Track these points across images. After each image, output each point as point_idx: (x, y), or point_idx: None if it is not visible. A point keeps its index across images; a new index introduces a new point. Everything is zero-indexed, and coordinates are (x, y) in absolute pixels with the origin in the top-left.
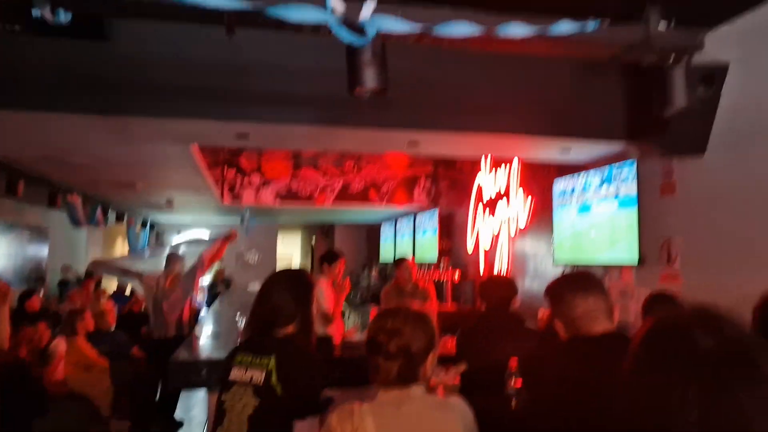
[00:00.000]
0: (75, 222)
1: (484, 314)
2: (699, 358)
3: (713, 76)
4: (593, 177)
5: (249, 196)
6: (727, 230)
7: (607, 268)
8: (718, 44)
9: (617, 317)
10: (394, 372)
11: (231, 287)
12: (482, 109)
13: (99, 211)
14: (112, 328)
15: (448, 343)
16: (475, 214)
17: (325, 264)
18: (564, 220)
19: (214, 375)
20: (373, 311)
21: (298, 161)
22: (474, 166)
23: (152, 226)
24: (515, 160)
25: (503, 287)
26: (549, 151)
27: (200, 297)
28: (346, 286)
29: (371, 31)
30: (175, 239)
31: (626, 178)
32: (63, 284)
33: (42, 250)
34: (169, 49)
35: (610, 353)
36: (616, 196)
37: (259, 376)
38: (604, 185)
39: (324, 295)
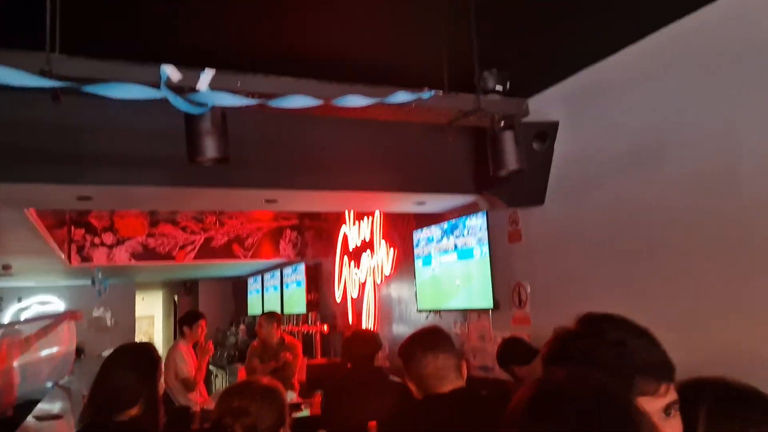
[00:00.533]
0: None
1: (348, 372)
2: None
3: (545, 133)
4: (449, 227)
5: (101, 257)
6: (566, 273)
7: (466, 313)
8: (549, 105)
9: (465, 373)
10: None
11: (83, 356)
12: (338, 168)
13: None
14: None
15: (318, 398)
16: (341, 264)
17: (185, 327)
18: (424, 268)
19: None
20: (240, 371)
21: (155, 217)
22: (339, 216)
23: None
24: (377, 212)
25: (366, 343)
26: (405, 204)
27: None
28: (208, 348)
29: (208, 103)
30: (16, 306)
31: (478, 228)
32: None
33: None
34: None
35: (460, 411)
36: (470, 245)
37: None
38: (460, 235)
39: (184, 360)
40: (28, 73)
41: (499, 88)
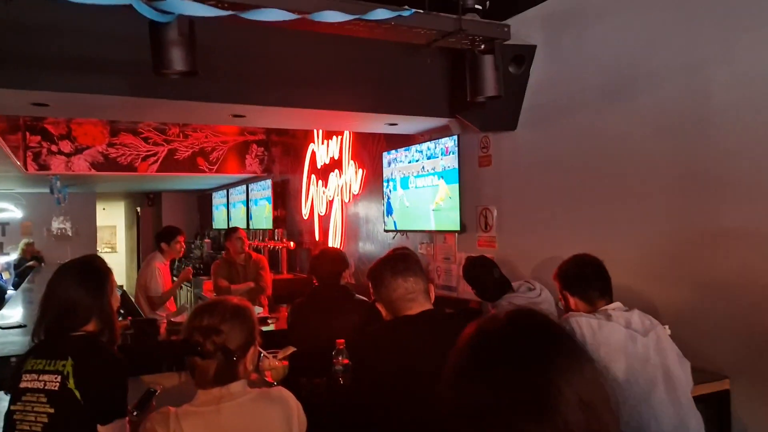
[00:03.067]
0: None
1: (314, 289)
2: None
3: (523, 57)
4: (420, 150)
5: (59, 165)
6: (533, 199)
7: (433, 234)
8: (527, 27)
9: (433, 296)
10: (212, 372)
11: (43, 264)
12: (309, 85)
13: None
14: None
15: (284, 313)
16: (309, 182)
17: (163, 243)
18: (392, 190)
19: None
20: (206, 284)
21: (116, 126)
22: (307, 133)
23: None
24: (346, 133)
25: (333, 262)
26: (377, 124)
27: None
28: (187, 273)
29: (175, 11)
30: None
31: (449, 152)
32: None
33: None
34: None
35: (427, 331)
36: (441, 169)
37: (53, 382)
38: (430, 158)
39: (156, 279)
40: None
41: (478, 6)
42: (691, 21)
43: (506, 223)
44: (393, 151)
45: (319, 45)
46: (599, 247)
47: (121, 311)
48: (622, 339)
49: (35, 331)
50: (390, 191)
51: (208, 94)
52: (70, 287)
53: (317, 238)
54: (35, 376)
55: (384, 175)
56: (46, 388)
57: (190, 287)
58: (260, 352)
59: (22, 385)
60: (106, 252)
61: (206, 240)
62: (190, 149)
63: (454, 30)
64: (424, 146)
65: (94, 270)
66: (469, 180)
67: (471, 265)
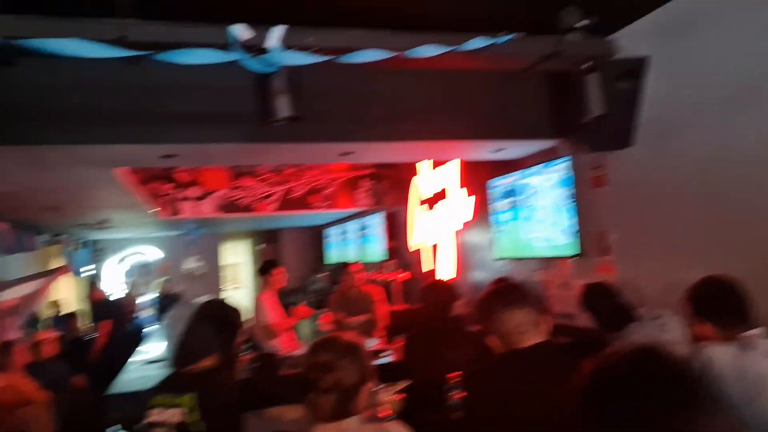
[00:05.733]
0: (3, 250)
1: (425, 321)
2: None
3: (632, 71)
4: (529, 174)
5: (188, 209)
6: (654, 220)
7: (546, 261)
8: (637, 39)
9: (548, 328)
10: (329, 407)
11: (179, 301)
12: (413, 118)
13: (28, 237)
14: (51, 358)
15: (400, 344)
16: (416, 213)
17: (263, 276)
18: (503, 215)
19: None
20: (324, 318)
21: (237, 170)
22: (414, 165)
23: (94, 242)
24: (454, 161)
25: (441, 293)
26: (482, 152)
27: (144, 314)
28: (300, 311)
29: (279, 62)
30: (116, 257)
31: (562, 174)
32: None
33: None
34: (78, 73)
35: (541, 364)
36: (551, 191)
37: (178, 415)
38: (542, 181)
39: (266, 308)
40: (101, 44)
41: (581, 24)
42: None
43: (627, 246)
44: (501, 177)
45: (421, 77)
46: (736, 268)
47: (247, 344)
48: (766, 370)
49: (166, 364)
50: (499, 218)
51: (316, 135)
52: (195, 325)
53: (427, 269)
54: (162, 410)
55: (492, 202)
56: (172, 421)
57: (309, 322)
58: (375, 387)
59: (151, 419)
60: (232, 288)
61: (323, 274)
62: (304, 187)
63: (554, 52)
64: (533, 170)
65: (220, 309)
66: (583, 202)
67: (590, 292)
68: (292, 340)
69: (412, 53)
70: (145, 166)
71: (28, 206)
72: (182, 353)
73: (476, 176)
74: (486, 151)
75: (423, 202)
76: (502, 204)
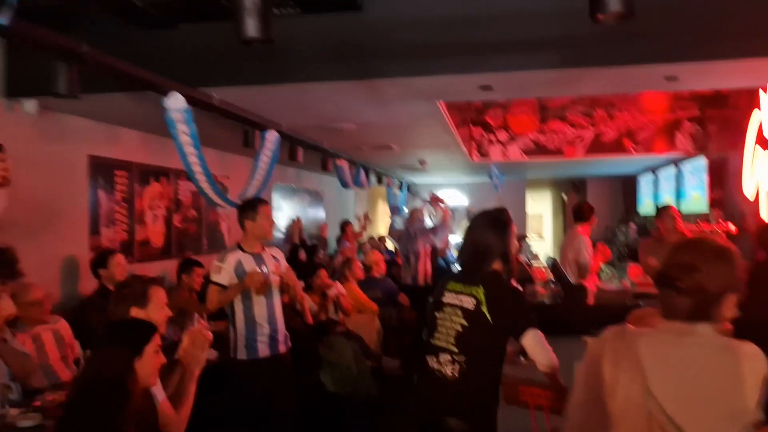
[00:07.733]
0: (344, 184)
1: (762, 263)
2: None
3: None
4: None
5: (496, 153)
6: None
7: None
8: None
9: None
10: (684, 309)
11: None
12: (751, 30)
13: (362, 174)
14: (383, 276)
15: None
16: (753, 155)
17: (577, 221)
18: None
19: None
20: (631, 268)
21: (545, 114)
22: (752, 102)
23: (408, 187)
24: None
25: None
26: None
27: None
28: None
29: None
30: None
31: None
32: (339, 240)
33: (319, 211)
34: (411, 10)
35: None
36: None
37: (469, 303)
38: None
39: (586, 245)
40: None
41: None
42: None
43: None
44: None
45: None
46: None
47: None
48: None
49: (457, 259)
50: None
51: (639, 57)
52: (482, 232)
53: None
54: (455, 295)
55: None
56: (463, 305)
57: (615, 272)
58: None
59: (445, 300)
60: (534, 240)
61: (631, 225)
62: (615, 131)
63: None
64: None
65: (501, 220)
66: None
67: None
68: (596, 281)
69: None
70: (466, 98)
71: (363, 145)
72: (474, 255)
73: None
74: None
75: (764, 143)
76: None
